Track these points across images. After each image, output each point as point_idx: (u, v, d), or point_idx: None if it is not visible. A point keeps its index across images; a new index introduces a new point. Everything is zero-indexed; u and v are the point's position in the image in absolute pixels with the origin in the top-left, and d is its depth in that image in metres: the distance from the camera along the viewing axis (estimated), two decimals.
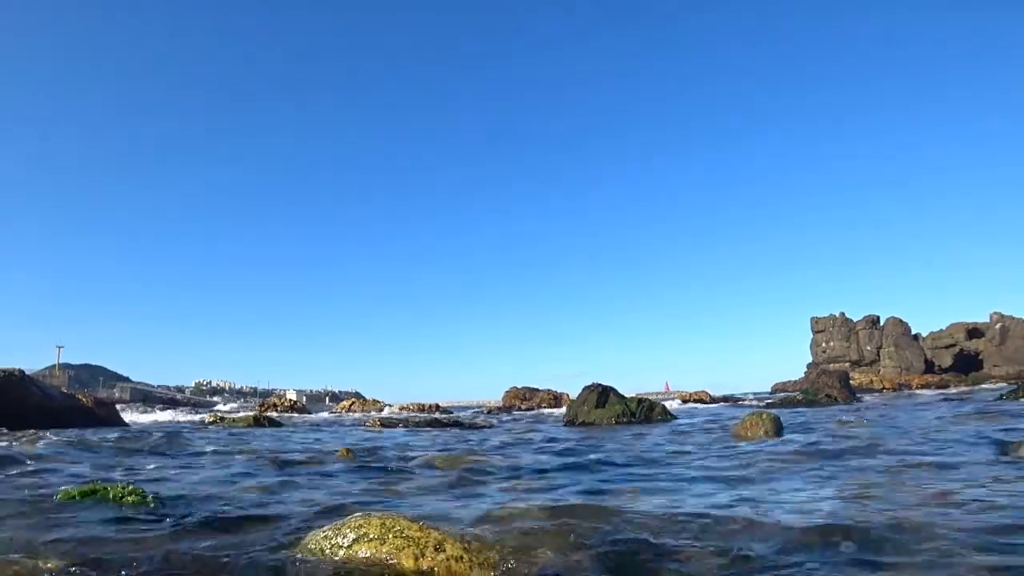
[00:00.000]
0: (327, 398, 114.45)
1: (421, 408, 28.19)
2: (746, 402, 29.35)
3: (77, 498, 3.46)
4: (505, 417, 19.29)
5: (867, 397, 25.93)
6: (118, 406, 20.33)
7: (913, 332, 63.78)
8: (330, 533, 2.42)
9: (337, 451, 6.65)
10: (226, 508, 3.51)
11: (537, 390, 34.45)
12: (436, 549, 2.27)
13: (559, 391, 34.03)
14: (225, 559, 2.46)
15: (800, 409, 16.30)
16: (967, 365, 58.18)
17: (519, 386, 34.89)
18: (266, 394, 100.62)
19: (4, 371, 12.84)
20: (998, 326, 58.04)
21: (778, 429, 7.72)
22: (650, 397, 15.18)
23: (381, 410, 27.84)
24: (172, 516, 3.29)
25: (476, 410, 28.74)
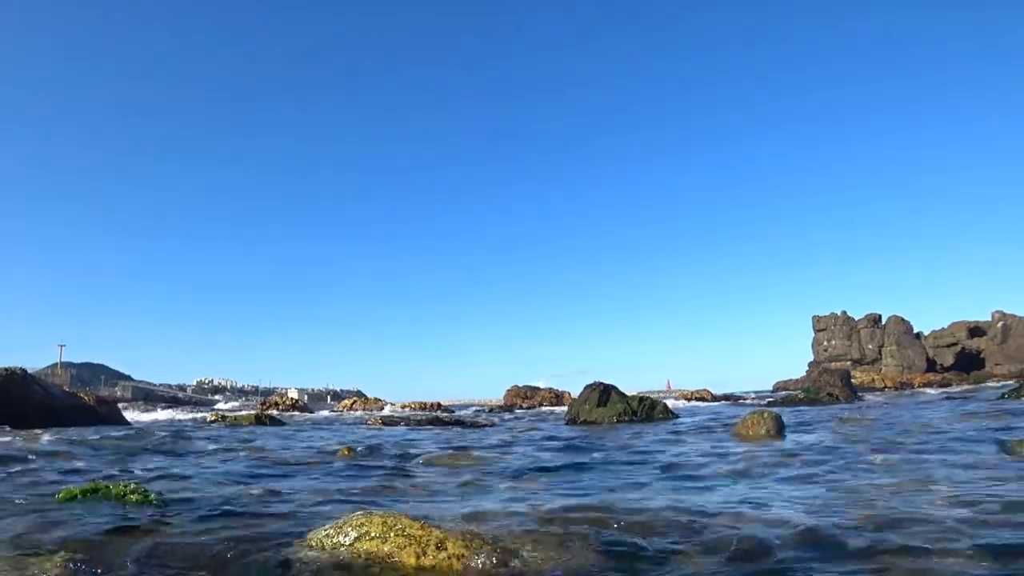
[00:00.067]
0: (328, 397, 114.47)
1: (422, 407, 28.20)
2: (747, 401, 29.35)
3: (79, 497, 3.46)
4: (506, 416, 19.29)
5: (869, 396, 25.91)
6: (120, 405, 20.36)
7: (915, 331, 63.67)
8: (332, 531, 2.43)
9: (339, 450, 6.65)
10: (228, 506, 3.52)
11: (538, 389, 34.44)
12: (438, 547, 2.27)
13: (560, 390, 34.02)
14: (227, 557, 2.46)
15: (801, 408, 16.29)
16: (969, 364, 58.07)
17: (520, 385, 34.89)
18: (268, 393, 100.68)
19: (6, 370, 12.85)
20: (1000, 325, 57.92)
21: (779, 428, 7.72)
22: (652, 396, 15.16)
23: (382, 409, 27.84)
24: (174, 514, 3.29)
25: (477, 409, 28.75)
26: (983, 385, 36.46)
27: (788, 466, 4.96)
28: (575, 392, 15.85)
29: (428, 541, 2.30)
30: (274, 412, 21.44)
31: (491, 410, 25.31)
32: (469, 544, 2.30)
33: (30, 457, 6.10)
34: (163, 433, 10.45)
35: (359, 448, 6.89)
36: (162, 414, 24.68)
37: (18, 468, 5.42)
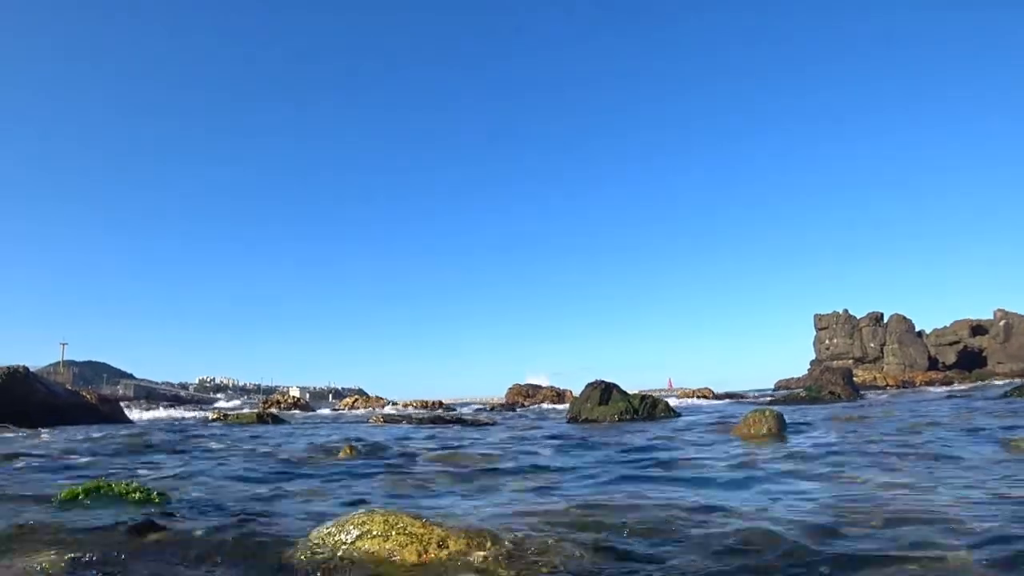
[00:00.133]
0: (330, 395, 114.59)
1: (424, 405, 28.24)
2: (749, 399, 29.34)
3: (82, 495, 3.47)
4: (508, 414, 19.30)
5: (871, 394, 25.90)
6: (122, 403, 20.39)
7: (917, 329, 63.62)
8: (333, 529, 2.43)
9: (340, 448, 6.66)
10: (229, 504, 3.52)
11: (540, 387, 34.45)
12: (439, 545, 2.27)
13: (562, 388, 34.01)
14: (228, 556, 2.46)
15: (803, 406, 16.28)
16: (971, 362, 58.03)
17: (522, 383, 34.90)
18: (269, 391, 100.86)
19: (9, 368, 12.88)
20: (1002, 323, 57.85)
21: (781, 426, 7.71)
22: (653, 394, 15.16)
23: (384, 407, 27.88)
24: (176, 513, 3.30)
25: (479, 407, 28.78)
26: (985, 383, 36.43)
27: (789, 464, 4.95)
28: (577, 390, 15.85)
29: (429, 539, 2.30)
30: (276, 410, 21.46)
31: (493, 408, 25.32)
32: (471, 542, 2.30)
33: (33, 456, 6.11)
34: (165, 432, 10.47)
35: (361, 446, 6.90)
36: (164, 413, 24.72)
37: (20, 466, 5.44)
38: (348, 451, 6.47)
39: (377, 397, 33.52)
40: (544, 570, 2.20)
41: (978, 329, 60.72)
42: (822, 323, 68.69)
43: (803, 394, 20.29)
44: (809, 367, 63.65)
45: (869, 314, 65.78)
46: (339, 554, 2.30)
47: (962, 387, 32.63)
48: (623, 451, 6.42)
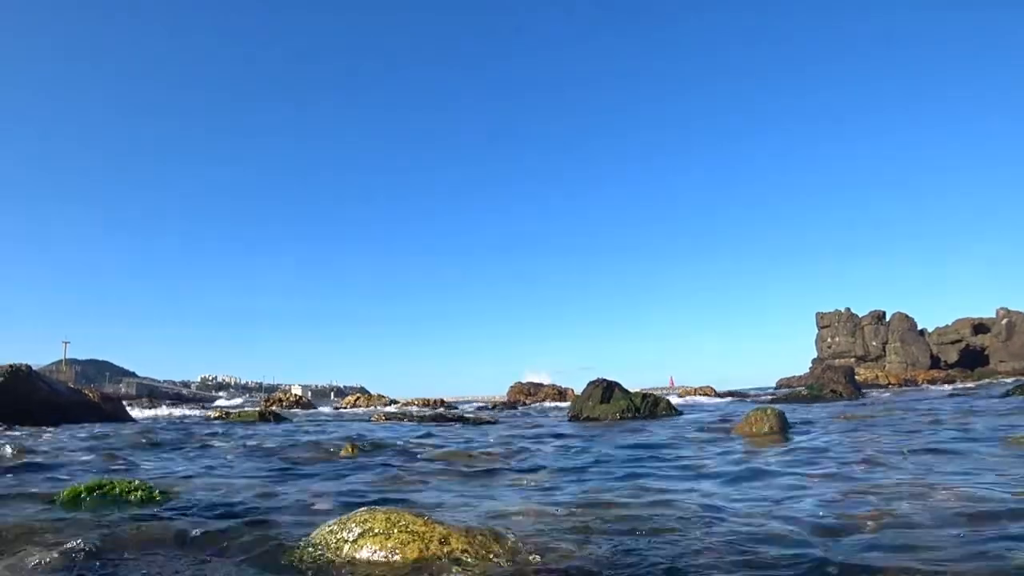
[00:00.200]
0: (332, 393, 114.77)
1: (426, 403, 28.24)
2: (751, 397, 29.32)
3: (83, 494, 3.47)
4: (509, 412, 19.31)
5: (872, 393, 25.87)
6: (124, 401, 20.42)
7: (919, 328, 63.55)
8: (336, 527, 2.43)
9: (342, 446, 6.67)
10: (231, 502, 3.53)
11: (542, 385, 34.44)
12: (441, 543, 2.27)
13: (564, 386, 34.02)
14: (230, 554, 2.47)
15: (805, 405, 16.27)
16: (973, 361, 57.96)
17: (523, 381, 34.90)
18: (271, 389, 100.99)
19: (11, 366, 12.90)
20: (1004, 321, 57.76)
21: (782, 425, 7.71)
22: (655, 392, 15.16)
23: (386, 405, 27.89)
24: (178, 511, 3.30)
25: (481, 405, 28.77)
26: (987, 382, 36.38)
27: (790, 463, 4.95)
28: (578, 389, 15.86)
29: (431, 537, 2.30)
30: (277, 409, 21.47)
31: (494, 407, 25.32)
32: (472, 540, 2.30)
33: (35, 455, 6.13)
34: (167, 430, 10.49)
35: (363, 444, 6.90)
36: (166, 411, 24.76)
37: (23, 462, 5.45)
38: (350, 449, 6.48)
39: (379, 395, 33.52)
40: (545, 569, 2.20)
41: (980, 327, 60.64)
42: (824, 321, 68.64)
43: (805, 392, 20.27)
44: (811, 365, 63.66)
45: (871, 312, 65.71)
46: (342, 552, 2.31)
47: (964, 386, 32.58)
48: (624, 449, 6.42)
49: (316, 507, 3.44)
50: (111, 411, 14.80)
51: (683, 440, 7.29)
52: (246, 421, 13.53)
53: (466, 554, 2.23)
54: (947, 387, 31.85)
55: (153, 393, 66.35)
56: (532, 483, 4.37)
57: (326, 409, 27.51)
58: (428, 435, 8.85)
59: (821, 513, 3.03)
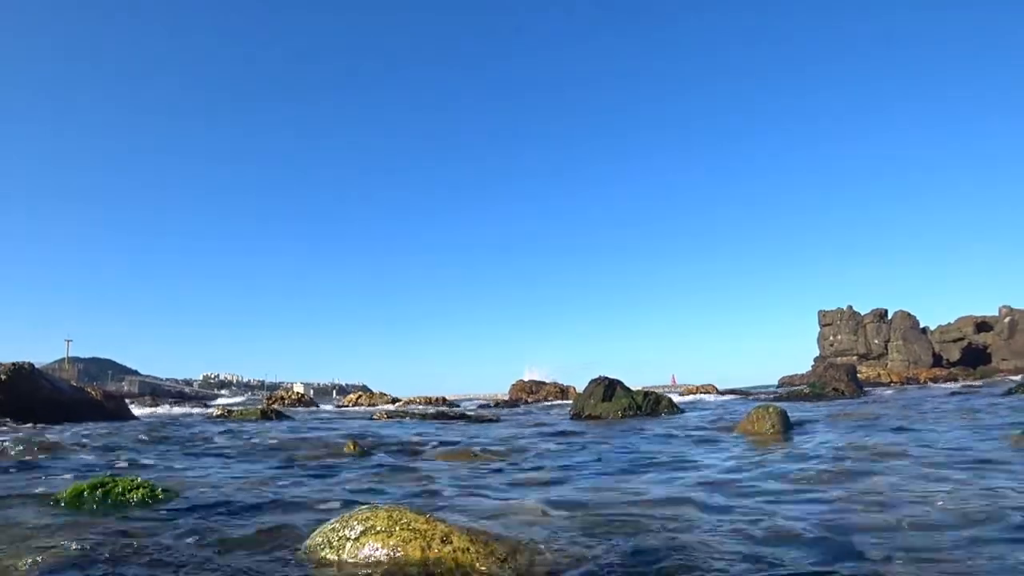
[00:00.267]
0: (334, 391, 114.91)
1: (428, 401, 28.24)
2: (752, 396, 29.29)
3: (86, 492, 3.48)
4: (512, 410, 19.32)
5: (875, 391, 25.83)
6: (127, 400, 20.45)
7: (921, 326, 63.46)
8: (337, 525, 2.43)
9: (344, 443, 6.67)
10: (233, 500, 3.53)
11: (543, 383, 34.42)
12: (443, 541, 2.27)
13: (566, 384, 34.00)
14: (232, 552, 2.47)
15: (807, 403, 16.26)
16: (975, 359, 57.88)
17: (525, 379, 34.89)
18: (273, 387, 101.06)
19: (14, 365, 12.91)
20: (1007, 320, 57.65)
21: (784, 423, 7.70)
22: (657, 390, 15.15)
23: (388, 403, 27.90)
24: (181, 509, 3.31)
25: (483, 403, 28.79)
26: (990, 380, 36.31)
27: (792, 461, 4.95)
28: (580, 387, 15.84)
29: (433, 535, 2.30)
30: (279, 407, 21.49)
31: (496, 405, 25.33)
32: (474, 538, 2.30)
33: (37, 453, 6.14)
34: (169, 428, 10.51)
35: (365, 442, 6.91)
36: (168, 409, 24.79)
37: (26, 460, 5.46)
38: (352, 447, 6.48)
39: (381, 393, 33.52)
40: (546, 567, 2.20)
41: (983, 326, 60.55)
42: (826, 320, 68.56)
43: (807, 391, 20.24)
44: (813, 364, 63.56)
45: (873, 311, 65.61)
46: (344, 550, 2.31)
47: (966, 384, 32.51)
48: (626, 448, 6.42)
49: (318, 505, 3.44)
50: (114, 409, 14.81)
51: (685, 439, 7.29)
52: (248, 419, 13.54)
53: (468, 552, 2.23)
54: (949, 386, 31.79)
55: (155, 391, 66.51)
56: (534, 481, 4.37)
57: (328, 407, 27.53)
58: (430, 433, 8.85)
59: (823, 512, 3.03)
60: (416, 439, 7.75)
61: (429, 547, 2.25)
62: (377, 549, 2.28)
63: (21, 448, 6.24)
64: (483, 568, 2.16)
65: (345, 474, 4.87)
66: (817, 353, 68.01)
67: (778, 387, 48.73)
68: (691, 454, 5.71)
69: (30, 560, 2.28)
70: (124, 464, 5.45)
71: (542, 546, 2.39)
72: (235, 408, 17.55)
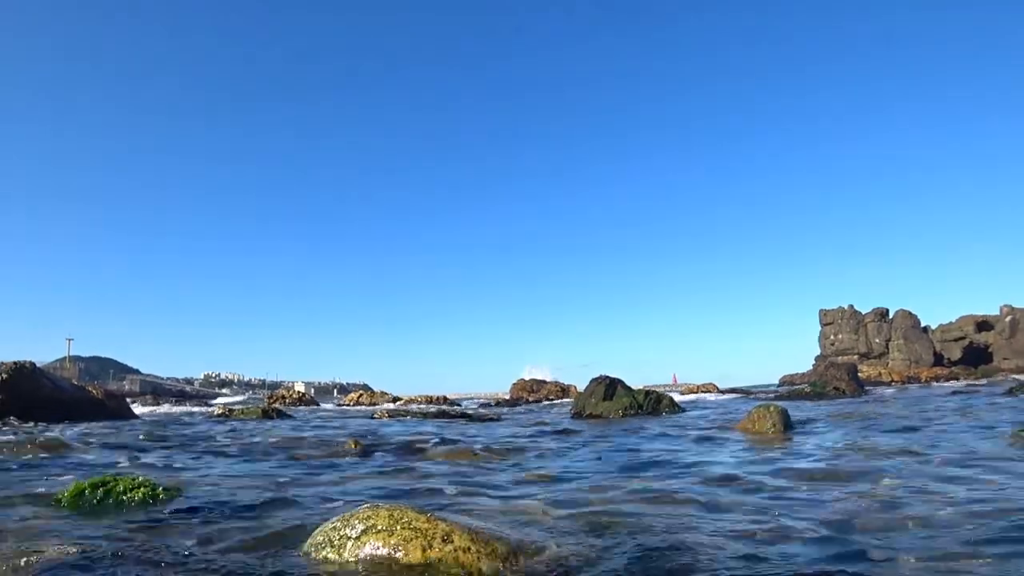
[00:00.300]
0: (335, 390, 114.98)
1: (429, 400, 28.25)
2: (753, 395, 29.28)
3: (87, 491, 3.48)
4: (512, 409, 19.31)
5: (875, 390, 25.81)
6: (128, 399, 20.47)
7: (922, 325, 63.37)
8: (339, 524, 2.43)
9: (346, 442, 6.67)
10: (234, 499, 3.53)
11: (544, 382, 34.40)
12: (444, 540, 2.27)
13: (567, 383, 33.98)
14: (233, 551, 2.47)
15: (808, 402, 16.24)
16: (976, 358, 57.80)
17: (526, 378, 34.88)
18: (274, 386, 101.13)
19: (15, 363, 12.92)
20: (1008, 319, 57.56)
21: (785, 422, 7.69)
22: (658, 389, 15.14)
23: (389, 402, 27.91)
24: (182, 508, 3.31)
25: (483, 402, 28.80)
26: (991, 379, 36.28)
27: (793, 460, 4.94)
28: (581, 386, 15.84)
29: (434, 534, 2.30)
30: (281, 406, 21.50)
31: (497, 404, 25.34)
32: (475, 537, 2.30)
33: (38, 451, 6.14)
34: (170, 427, 10.52)
35: (366, 441, 6.91)
36: (170, 408, 24.81)
37: (27, 459, 5.46)
38: (353, 446, 6.49)
39: (382, 392, 33.54)
40: (546, 566, 2.20)
41: (984, 325, 60.46)
42: (827, 318, 68.47)
43: (808, 390, 20.22)
44: (814, 363, 63.47)
45: (874, 310, 65.53)
46: (345, 549, 2.31)
47: (967, 383, 32.49)
48: (627, 447, 6.42)
49: (319, 504, 3.44)
50: (115, 408, 14.83)
51: (686, 437, 7.29)
52: (249, 418, 13.55)
53: (469, 552, 2.23)
54: (950, 385, 31.76)
55: (156, 390, 66.59)
56: (535, 480, 4.37)
57: (329, 406, 27.54)
58: (431, 432, 8.85)
59: (825, 511, 3.03)
60: (417, 438, 7.75)
61: (430, 546, 2.25)
62: (378, 548, 2.28)
63: (22, 447, 6.25)
64: (484, 567, 2.16)
65: (346, 473, 4.87)
66: (818, 352, 67.94)
67: (779, 386, 48.72)
68: (692, 453, 5.71)
69: (30, 559, 2.28)
70: (125, 463, 5.45)
71: (543, 545, 2.39)
72: (236, 407, 17.55)
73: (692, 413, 12.70)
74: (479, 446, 6.54)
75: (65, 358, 79.52)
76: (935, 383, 37.14)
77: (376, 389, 37.03)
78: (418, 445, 6.85)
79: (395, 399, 30.09)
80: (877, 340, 63.81)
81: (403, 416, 13.75)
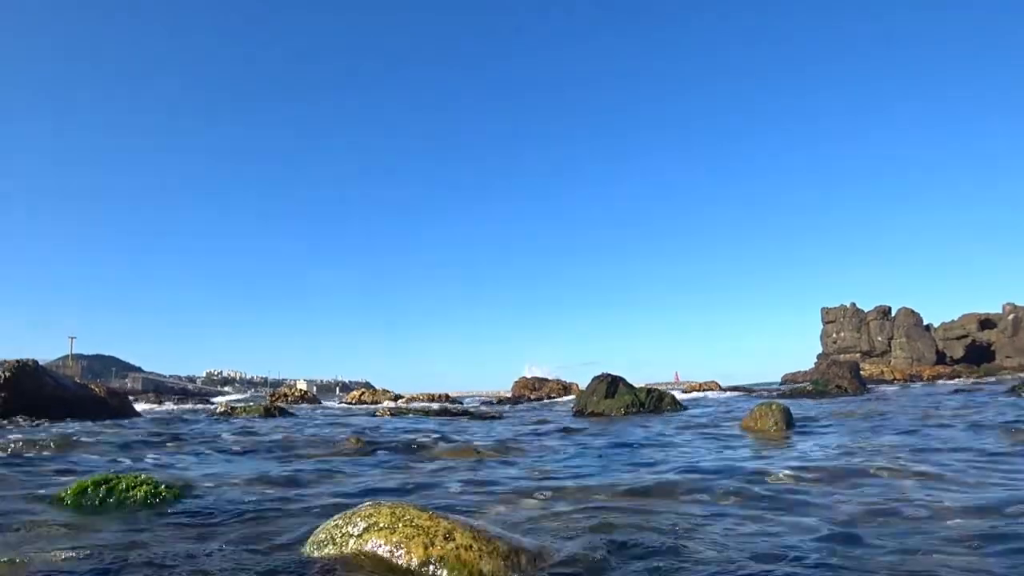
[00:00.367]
0: (337, 388, 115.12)
1: (431, 398, 28.31)
2: (756, 393, 29.27)
3: (90, 489, 3.49)
4: (514, 407, 19.33)
5: (878, 388, 25.78)
6: (130, 396, 20.52)
7: (925, 323, 63.30)
8: (340, 522, 2.43)
9: (347, 440, 6.68)
10: (237, 497, 3.54)
11: (546, 380, 34.49)
12: (446, 538, 2.27)
13: (568, 381, 34.06)
14: (235, 548, 2.47)
15: (810, 400, 16.23)
16: (979, 356, 57.74)
17: (528, 376, 34.94)
18: (277, 384, 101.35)
19: (18, 361, 12.95)
20: (1010, 317, 57.48)
21: (787, 420, 7.69)
22: (660, 387, 15.14)
23: (391, 400, 27.94)
24: (184, 505, 3.32)
25: (485, 400, 28.82)
26: (993, 378, 36.23)
27: (795, 458, 4.94)
28: (583, 384, 15.85)
29: (436, 532, 2.30)
30: (283, 404, 21.53)
31: (499, 401, 25.36)
32: (477, 535, 2.30)
33: (40, 450, 6.15)
34: (173, 425, 10.53)
35: (368, 439, 6.92)
36: (172, 406, 24.86)
37: (30, 457, 5.48)
38: (355, 443, 6.49)
39: (384, 390, 33.60)
40: (548, 564, 2.20)
41: (986, 323, 60.38)
42: (829, 317, 68.42)
43: (810, 388, 20.22)
44: (816, 361, 63.50)
45: (877, 308, 65.47)
46: (347, 546, 2.31)
47: (970, 381, 32.45)
48: (628, 445, 6.41)
49: (321, 501, 3.44)
50: (117, 406, 14.85)
51: (688, 435, 7.29)
52: (252, 416, 13.57)
53: (470, 550, 2.23)
54: (952, 383, 31.71)
55: (159, 388, 66.68)
56: (537, 477, 4.37)
57: (331, 404, 27.59)
58: (433, 430, 8.86)
59: (828, 509, 3.02)
60: (419, 436, 7.75)
61: (432, 544, 2.25)
62: (380, 546, 2.28)
63: (25, 445, 6.26)
64: (486, 566, 2.16)
65: (348, 469, 4.87)
66: (820, 350, 67.91)
67: (781, 384, 48.71)
68: (694, 451, 5.70)
69: (32, 558, 2.28)
70: (128, 461, 5.46)
71: (545, 544, 2.39)
72: (238, 405, 17.57)
73: (694, 411, 12.70)
74: (481, 444, 6.55)
75: (68, 356, 79.74)
76: (938, 381, 37.09)
77: (378, 387, 37.08)
78: (420, 443, 6.85)
79: (397, 397, 30.13)
80: (879, 338, 63.75)
81: (405, 414, 13.77)
